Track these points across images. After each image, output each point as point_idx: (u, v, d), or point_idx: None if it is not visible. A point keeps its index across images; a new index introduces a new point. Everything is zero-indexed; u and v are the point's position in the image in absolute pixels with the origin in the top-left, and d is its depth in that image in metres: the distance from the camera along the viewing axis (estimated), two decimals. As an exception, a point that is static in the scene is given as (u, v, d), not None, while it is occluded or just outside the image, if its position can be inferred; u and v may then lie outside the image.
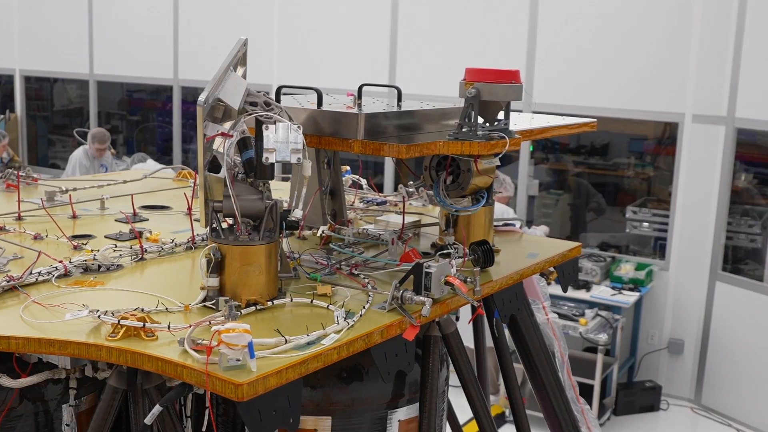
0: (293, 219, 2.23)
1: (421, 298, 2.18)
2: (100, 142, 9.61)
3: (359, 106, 2.68)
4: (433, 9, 8.91)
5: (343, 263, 2.58)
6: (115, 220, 3.09)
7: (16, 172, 3.47)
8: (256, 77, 9.44)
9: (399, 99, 2.82)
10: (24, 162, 11.81)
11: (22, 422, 2.23)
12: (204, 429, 2.15)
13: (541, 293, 3.37)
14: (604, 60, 8.09)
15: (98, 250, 2.52)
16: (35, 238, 2.78)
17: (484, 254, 2.60)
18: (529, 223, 9.31)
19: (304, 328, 2.01)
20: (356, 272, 2.50)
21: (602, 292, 7.96)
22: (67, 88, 12.82)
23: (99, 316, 1.98)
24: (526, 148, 8.85)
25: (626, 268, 8.21)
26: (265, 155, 2.09)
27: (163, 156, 11.50)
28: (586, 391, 7.67)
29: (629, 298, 7.86)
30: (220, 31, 10.13)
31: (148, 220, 3.15)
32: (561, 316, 7.71)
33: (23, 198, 3.31)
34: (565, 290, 3.09)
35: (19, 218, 3.03)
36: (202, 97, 2.02)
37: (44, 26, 11.93)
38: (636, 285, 8.06)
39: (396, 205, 3.52)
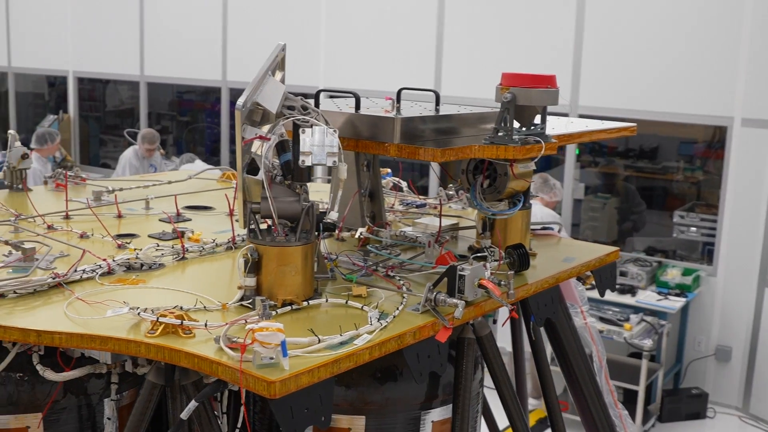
0: (329, 221, 2.27)
1: (454, 300, 2.20)
2: (149, 142, 9.78)
3: (397, 110, 2.71)
4: (479, 12, 8.91)
5: (379, 265, 2.61)
6: (159, 220, 3.16)
7: (64, 172, 3.56)
8: (302, 80, 9.57)
9: (437, 103, 2.85)
10: (76, 161, 12.06)
11: (66, 414, 2.31)
12: (239, 425, 2.20)
13: (579, 297, 3.37)
14: (652, 63, 8.01)
15: (141, 249, 2.59)
16: (81, 236, 2.86)
17: (519, 258, 2.62)
18: (576, 227, 9.26)
19: (338, 328, 2.05)
20: (392, 274, 2.54)
21: (648, 297, 7.87)
22: (119, 89, 13.06)
23: (139, 314, 2.04)
24: (571, 151, 8.80)
25: (673, 273, 8.12)
26: (301, 158, 2.13)
27: (212, 156, 11.66)
28: (630, 397, 7.60)
29: (675, 303, 7.77)
30: (268, 34, 10.23)
31: (191, 220, 3.21)
32: (605, 320, 7.65)
33: (72, 197, 3.40)
34: (602, 294, 3.08)
35: (67, 217, 3.12)
36: (240, 101, 2.06)
37: (97, 29, 12.17)
38: (683, 290, 7.96)
39: (435, 207, 3.54)
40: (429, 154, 2.33)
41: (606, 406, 3.33)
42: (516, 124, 2.58)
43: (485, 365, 2.67)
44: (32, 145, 9.26)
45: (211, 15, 10.82)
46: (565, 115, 8.26)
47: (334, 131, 2.15)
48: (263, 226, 2.25)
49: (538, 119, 2.64)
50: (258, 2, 10.48)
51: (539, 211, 7.85)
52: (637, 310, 7.76)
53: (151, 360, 2.10)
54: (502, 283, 2.36)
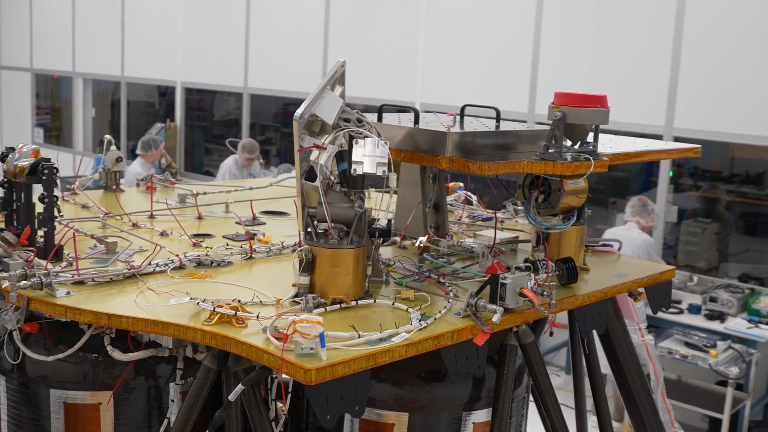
0: (377, 227, 2.42)
1: (494, 306, 2.32)
2: (249, 152, 10.15)
3: (459, 125, 2.85)
4: (574, 33, 8.93)
5: (432, 272, 2.75)
6: (236, 223, 3.37)
7: (151, 175, 3.83)
8: (400, 95, 9.78)
9: (498, 119, 2.96)
10: (180, 168, 12.57)
11: (135, 394, 2.52)
12: (286, 411, 2.36)
13: (636, 315, 3.42)
14: (753, 85, 7.86)
15: (212, 248, 2.79)
16: (162, 234, 3.09)
17: (567, 271, 2.71)
18: (668, 249, 9.14)
19: (380, 326, 2.19)
20: (443, 281, 2.66)
21: (737, 324, 7.72)
22: (227, 100, 13.57)
23: (198, 303, 2.23)
24: (665, 174, 8.73)
25: (766, 301, 7.94)
26: (353, 167, 2.29)
27: (310, 167, 11.96)
28: (715, 426, 7.48)
29: (766, 332, 7.60)
30: (368, 49, 10.49)
31: (265, 224, 3.41)
32: (690, 345, 7.56)
33: (160, 199, 3.66)
34: (654, 312, 3.13)
35: (152, 216, 3.36)
36: (298, 113, 2.24)
37: (205, 41, 12.69)
38: (775, 319, 7.78)
39: (503, 221, 3.65)
40: (477, 167, 2.45)
41: (662, 423, 3.36)
42: (568, 142, 2.69)
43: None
44: (137, 151, 9.74)
45: (314, 30, 11.16)
46: (660, 137, 8.22)
47: (385, 143, 2.30)
48: (320, 230, 2.41)
49: (592, 138, 2.73)
50: (358, 18, 10.75)
51: (638, 235, 7.84)
52: (725, 337, 7.62)
53: (209, 347, 2.29)
54: (545, 293, 2.46)
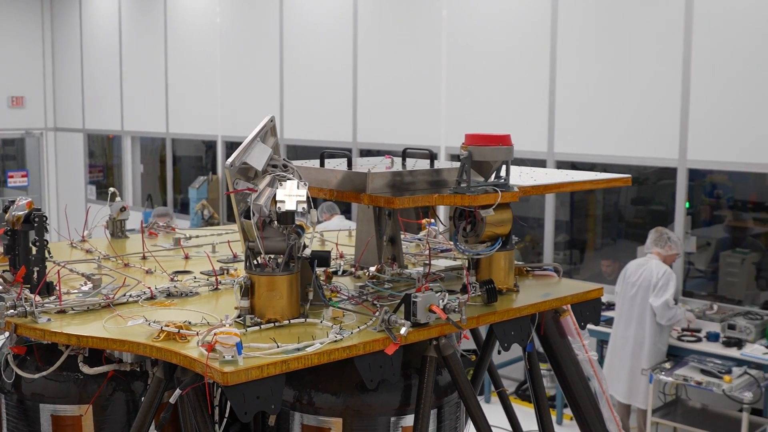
0: (312, 256, 2.83)
1: (402, 321, 2.70)
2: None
3: (402, 165, 3.27)
4: (588, 72, 9.27)
5: (369, 296, 3.14)
6: (217, 261, 3.80)
7: (153, 222, 4.32)
8: (425, 140, 10.21)
9: (432, 161, 3.35)
10: (222, 219, 13.14)
11: (113, 407, 2.95)
12: (227, 414, 2.76)
13: (579, 333, 3.71)
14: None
15: (181, 281, 3.23)
16: (147, 272, 3.54)
17: (487, 292, 3.08)
18: (696, 279, 9.30)
19: (298, 338, 2.59)
20: (377, 303, 3.05)
21: (754, 350, 7.87)
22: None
23: (149, 324, 2.66)
24: (682, 205, 8.96)
25: (786, 327, 8.08)
26: (278, 205, 2.71)
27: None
28: (735, 451, 7.62)
29: (784, 357, 7.74)
30: (394, 101, 11.01)
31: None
32: (705, 372, 7.72)
33: (161, 243, 4.14)
34: (582, 328, 3.45)
35: (143, 258, 3.82)
36: (228, 161, 2.68)
37: (242, 95, 13.38)
38: (795, 345, 7.90)
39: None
40: (390, 202, 2.86)
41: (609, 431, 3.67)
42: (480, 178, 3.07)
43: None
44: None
45: (344, 81, 11.72)
46: (674, 170, 8.51)
47: (305, 184, 2.72)
48: (260, 260, 2.83)
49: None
50: (383, 78, 11.28)
51: (655, 266, 8.10)
52: (740, 362, 7.77)
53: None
54: (456, 310, 2.82)
